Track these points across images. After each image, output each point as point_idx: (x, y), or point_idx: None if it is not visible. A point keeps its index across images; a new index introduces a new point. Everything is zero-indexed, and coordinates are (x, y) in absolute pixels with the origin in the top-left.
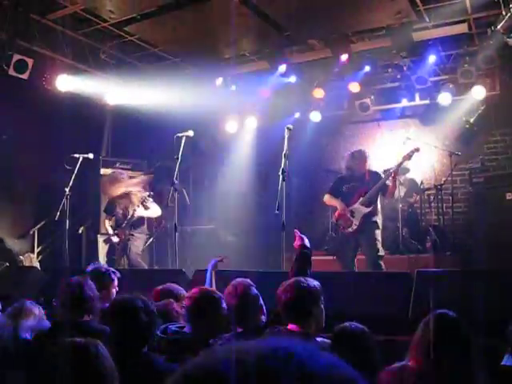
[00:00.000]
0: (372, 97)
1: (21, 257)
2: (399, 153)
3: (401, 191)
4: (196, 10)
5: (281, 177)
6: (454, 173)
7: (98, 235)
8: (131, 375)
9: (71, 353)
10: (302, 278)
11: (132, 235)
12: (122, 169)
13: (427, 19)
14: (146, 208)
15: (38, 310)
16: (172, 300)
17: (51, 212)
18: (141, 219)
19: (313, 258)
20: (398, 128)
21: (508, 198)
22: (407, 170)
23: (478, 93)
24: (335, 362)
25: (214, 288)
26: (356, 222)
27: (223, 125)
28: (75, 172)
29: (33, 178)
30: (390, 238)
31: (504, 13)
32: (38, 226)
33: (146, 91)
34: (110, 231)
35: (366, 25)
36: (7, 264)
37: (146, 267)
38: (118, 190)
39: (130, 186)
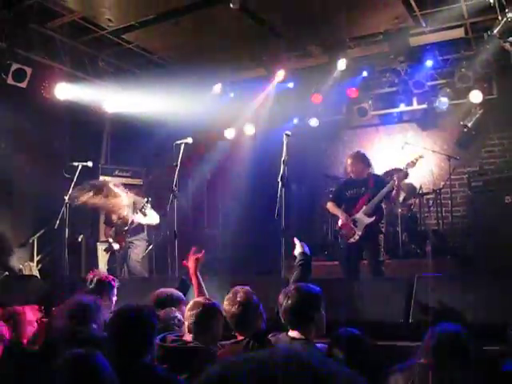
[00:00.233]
0: (370, 102)
1: (20, 265)
2: (402, 160)
3: (400, 196)
4: (194, 18)
5: (280, 183)
6: (452, 177)
7: (98, 243)
8: None
9: (70, 363)
10: (302, 284)
11: (132, 243)
12: (121, 176)
13: (424, 24)
14: (145, 215)
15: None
16: (174, 308)
17: (50, 220)
18: (140, 226)
19: (313, 263)
20: (396, 132)
21: (507, 201)
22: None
23: (476, 97)
24: (343, 368)
25: (204, 292)
26: (359, 232)
27: (222, 131)
28: (74, 180)
29: (32, 186)
30: (389, 242)
31: (500, 17)
32: (38, 234)
33: (145, 98)
34: (110, 239)
35: (363, 30)
36: (6, 273)
37: (146, 275)
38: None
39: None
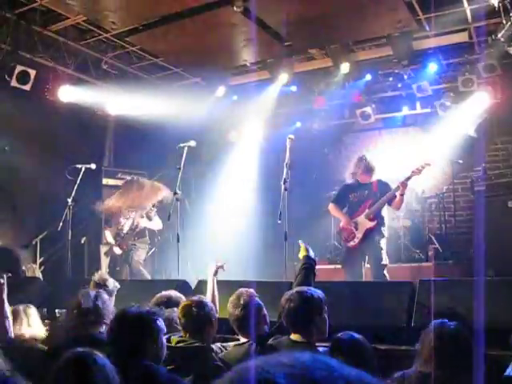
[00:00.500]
0: (373, 105)
1: (23, 267)
2: (405, 163)
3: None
4: (197, 21)
5: (283, 186)
6: (455, 181)
7: (101, 245)
8: None
9: (70, 363)
10: (305, 288)
11: (134, 245)
12: (124, 179)
13: (428, 28)
14: (150, 219)
15: None
16: (176, 309)
17: (53, 222)
18: (144, 230)
19: (316, 267)
20: (399, 136)
21: (510, 205)
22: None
23: (479, 101)
24: (364, 374)
25: (216, 295)
26: (359, 236)
27: (225, 135)
28: (77, 182)
29: (35, 188)
30: (392, 246)
31: (504, 21)
32: (41, 236)
33: (148, 101)
34: (112, 241)
35: (366, 34)
36: (9, 274)
37: (149, 276)
38: (128, 200)
39: (139, 197)
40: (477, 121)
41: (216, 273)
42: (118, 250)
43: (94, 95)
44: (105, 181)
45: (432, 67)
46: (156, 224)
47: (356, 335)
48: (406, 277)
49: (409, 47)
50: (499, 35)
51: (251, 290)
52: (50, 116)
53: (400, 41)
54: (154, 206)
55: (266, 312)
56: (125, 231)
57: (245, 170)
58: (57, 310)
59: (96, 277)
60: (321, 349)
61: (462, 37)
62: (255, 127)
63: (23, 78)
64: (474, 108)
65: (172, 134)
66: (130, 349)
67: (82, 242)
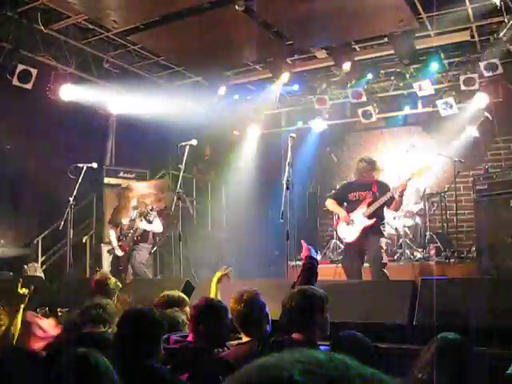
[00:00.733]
0: (375, 105)
1: (25, 266)
2: (406, 163)
3: (403, 199)
4: (199, 20)
5: (285, 185)
6: (457, 180)
7: (102, 244)
8: None
9: (71, 363)
10: (307, 287)
11: (137, 244)
12: (126, 178)
13: (429, 27)
14: (149, 222)
15: None
16: (177, 309)
17: (55, 221)
18: (145, 233)
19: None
20: (401, 135)
21: None
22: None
23: (481, 100)
24: (378, 372)
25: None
26: (356, 233)
27: (226, 134)
28: (79, 181)
29: (36, 187)
30: (393, 245)
31: (507, 20)
32: (42, 235)
33: (149, 100)
34: (115, 243)
35: (368, 33)
36: (11, 273)
37: (151, 276)
38: (130, 200)
39: (142, 196)
40: (478, 119)
41: (220, 280)
42: (119, 252)
43: (95, 94)
44: (106, 180)
45: (434, 66)
46: (156, 227)
47: (357, 334)
48: (408, 275)
49: (411, 46)
50: (501, 34)
51: (254, 289)
52: (52, 115)
53: (402, 40)
54: (152, 209)
55: (268, 311)
56: (127, 232)
57: (246, 168)
58: (58, 309)
59: (98, 276)
60: (322, 347)
61: (463, 36)
62: (256, 126)
63: (25, 76)
64: (475, 107)
65: (173, 133)
66: (133, 349)
67: (84, 240)
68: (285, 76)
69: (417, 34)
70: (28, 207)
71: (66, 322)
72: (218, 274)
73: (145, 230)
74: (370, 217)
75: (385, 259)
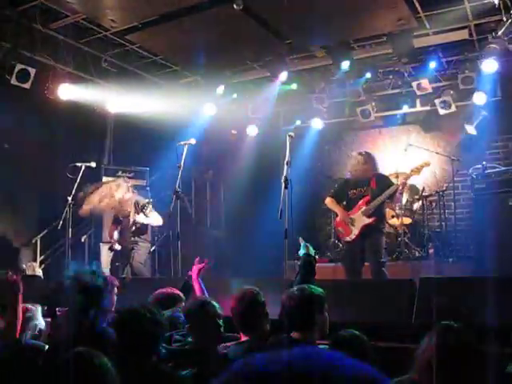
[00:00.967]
0: (373, 103)
1: (23, 265)
2: (405, 162)
3: (403, 198)
4: (197, 19)
5: (283, 184)
6: (455, 179)
7: (101, 243)
8: None
9: (71, 362)
10: (305, 286)
11: (136, 243)
12: (124, 177)
13: (428, 26)
14: (146, 215)
15: None
16: (179, 308)
17: (54, 221)
18: (144, 227)
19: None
20: (399, 134)
21: (510, 203)
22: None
23: (479, 99)
24: (359, 365)
25: (206, 295)
26: (355, 232)
27: (225, 132)
28: (77, 181)
29: (35, 186)
30: (392, 244)
31: (505, 19)
32: (41, 234)
33: (148, 99)
34: (116, 236)
35: (366, 32)
36: (10, 273)
37: (149, 276)
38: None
39: (122, 194)
40: (477, 118)
41: (198, 274)
42: (117, 246)
43: (93, 93)
44: (105, 179)
45: (432, 65)
46: (155, 220)
47: (356, 333)
48: (406, 274)
49: (409, 45)
50: (499, 33)
51: (255, 288)
52: (50, 114)
53: (400, 38)
54: (148, 202)
55: (267, 310)
56: (127, 228)
57: (244, 167)
58: (57, 309)
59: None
60: (321, 346)
61: (462, 34)
62: (255, 125)
63: (23, 76)
64: (474, 105)
65: (172, 132)
66: (133, 346)
67: (83, 240)
68: (283, 75)
69: (415, 33)
70: (26, 207)
71: (64, 321)
72: (195, 271)
73: (143, 224)
74: (369, 215)
75: (384, 258)
